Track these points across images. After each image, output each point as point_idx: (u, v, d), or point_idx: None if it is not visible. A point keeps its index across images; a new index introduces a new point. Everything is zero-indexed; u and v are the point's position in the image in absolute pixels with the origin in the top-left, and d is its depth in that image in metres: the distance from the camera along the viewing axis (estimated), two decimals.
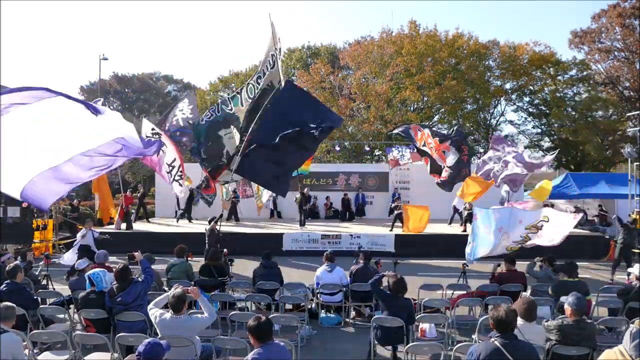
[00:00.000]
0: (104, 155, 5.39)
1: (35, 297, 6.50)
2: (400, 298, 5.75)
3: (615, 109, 28.10)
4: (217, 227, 10.98)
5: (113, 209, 16.82)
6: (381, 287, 6.13)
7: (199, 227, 15.59)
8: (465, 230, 14.96)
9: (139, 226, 16.33)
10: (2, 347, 4.03)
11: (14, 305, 4.58)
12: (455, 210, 16.33)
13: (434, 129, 14.70)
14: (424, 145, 13.71)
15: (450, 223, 16.58)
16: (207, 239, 11.14)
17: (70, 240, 15.40)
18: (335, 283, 7.58)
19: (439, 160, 13.66)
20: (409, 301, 5.85)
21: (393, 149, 18.77)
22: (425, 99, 28.26)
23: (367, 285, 6.38)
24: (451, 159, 13.31)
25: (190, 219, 17.13)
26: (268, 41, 9.58)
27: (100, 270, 6.02)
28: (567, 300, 4.78)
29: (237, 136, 9.32)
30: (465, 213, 15.30)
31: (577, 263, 6.71)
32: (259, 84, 9.47)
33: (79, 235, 10.96)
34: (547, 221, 7.37)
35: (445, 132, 15.32)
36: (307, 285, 8.01)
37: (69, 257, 10.11)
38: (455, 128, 16.12)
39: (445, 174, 13.64)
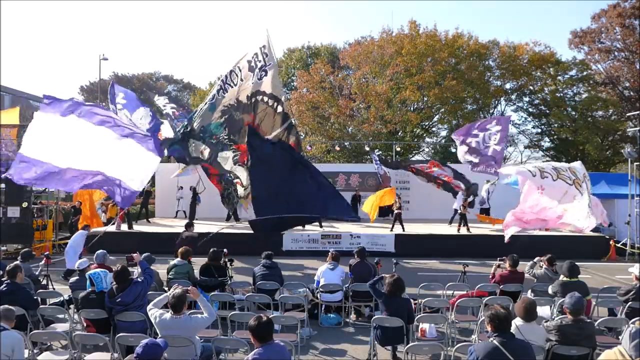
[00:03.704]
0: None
1: (35, 297, 6.50)
2: (398, 297, 5.74)
3: (615, 109, 28.10)
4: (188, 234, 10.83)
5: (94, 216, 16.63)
6: (380, 289, 6.12)
7: (199, 227, 15.59)
8: (460, 230, 15.05)
9: (139, 226, 16.34)
10: (2, 343, 4.11)
11: (12, 307, 4.62)
12: (456, 211, 16.35)
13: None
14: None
15: (450, 223, 16.58)
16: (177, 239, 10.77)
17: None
18: (336, 282, 7.61)
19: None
20: (407, 300, 5.84)
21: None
22: (425, 99, 28.27)
23: (367, 285, 6.38)
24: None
25: (193, 220, 17.13)
26: (256, 51, 10.61)
27: (101, 270, 6.02)
28: (565, 301, 4.79)
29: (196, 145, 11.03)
30: (460, 211, 15.39)
31: (577, 263, 6.69)
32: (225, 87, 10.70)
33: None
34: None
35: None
36: (307, 285, 8.03)
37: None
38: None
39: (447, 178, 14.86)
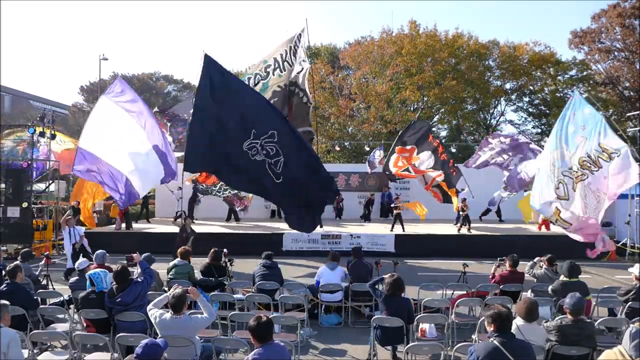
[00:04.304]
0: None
1: (35, 297, 6.50)
2: (398, 297, 5.73)
3: (615, 109, 28.08)
4: (184, 224, 10.76)
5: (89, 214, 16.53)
6: (380, 289, 6.11)
7: (200, 227, 15.58)
8: (460, 230, 15.04)
9: (139, 226, 16.34)
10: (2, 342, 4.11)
11: (7, 303, 4.61)
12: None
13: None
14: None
15: (456, 223, 16.56)
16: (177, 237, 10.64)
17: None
18: (336, 282, 7.61)
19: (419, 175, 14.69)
20: (407, 300, 5.83)
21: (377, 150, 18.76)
22: (425, 99, 28.26)
23: (366, 285, 6.38)
24: (428, 162, 14.06)
25: (192, 219, 17.11)
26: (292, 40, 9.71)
27: (102, 270, 6.02)
28: (565, 301, 4.78)
29: None
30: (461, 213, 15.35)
31: (577, 263, 6.68)
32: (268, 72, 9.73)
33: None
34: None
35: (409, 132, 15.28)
36: (307, 285, 8.02)
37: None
38: (412, 122, 16.67)
39: (438, 178, 14.35)
